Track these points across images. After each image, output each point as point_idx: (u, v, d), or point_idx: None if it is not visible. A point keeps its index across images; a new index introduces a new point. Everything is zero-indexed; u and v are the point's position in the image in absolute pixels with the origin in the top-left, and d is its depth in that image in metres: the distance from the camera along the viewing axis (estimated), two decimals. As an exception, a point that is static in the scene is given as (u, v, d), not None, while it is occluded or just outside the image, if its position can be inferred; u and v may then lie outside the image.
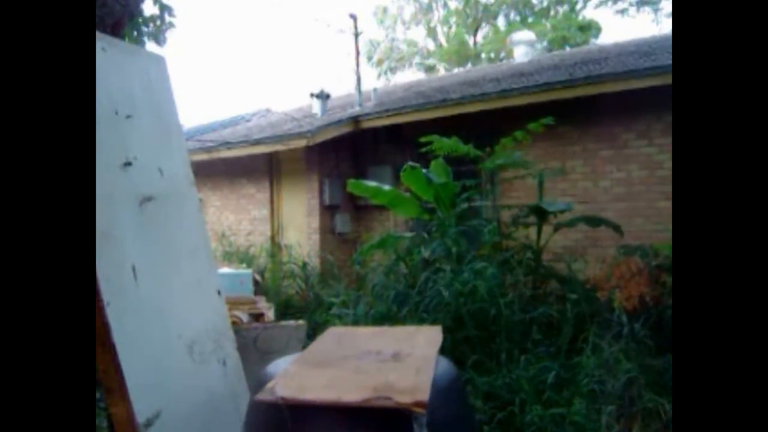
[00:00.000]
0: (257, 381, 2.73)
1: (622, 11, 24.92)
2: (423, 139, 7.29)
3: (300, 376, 2.52)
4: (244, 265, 9.81)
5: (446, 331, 4.91)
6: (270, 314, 5.65)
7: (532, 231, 6.81)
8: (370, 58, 31.02)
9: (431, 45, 31.74)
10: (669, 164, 7.91)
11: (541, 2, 29.28)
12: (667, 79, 7.51)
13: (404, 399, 2.20)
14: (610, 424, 4.42)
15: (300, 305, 8.74)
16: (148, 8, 5.82)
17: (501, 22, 30.45)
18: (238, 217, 12.23)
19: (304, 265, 9.84)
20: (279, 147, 10.50)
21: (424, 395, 2.23)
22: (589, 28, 26.97)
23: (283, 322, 5.74)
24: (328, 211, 10.76)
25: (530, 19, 28.24)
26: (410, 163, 6.90)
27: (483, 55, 28.91)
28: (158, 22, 5.90)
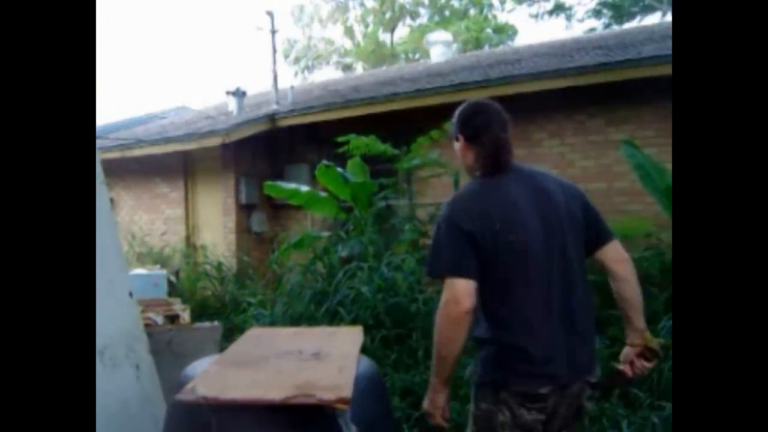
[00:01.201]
0: (175, 384, 2.68)
1: (537, 15, 25.55)
2: (340, 139, 7.29)
3: (221, 376, 2.49)
4: (158, 266, 9.60)
5: (366, 329, 4.94)
6: (185, 316, 5.55)
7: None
8: (287, 56, 30.84)
9: (348, 44, 31.80)
10: (580, 163, 8.16)
11: (460, 3, 29.70)
12: (578, 80, 7.75)
13: (327, 396, 2.21)
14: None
15: (216, 306, 8.62)
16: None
17: (418, 21, 30.75)
18: (152, 216, 11.95)
19: (220, 265, 9.70)
20: (194, 145, 10.31)
21: (347, 392, 2.25)
22: (504, 30, 27.55)
23: (198, 324, 5.65)
24: (245, 210, 10.63)
25: (446, 20, 28.60)
26: (325, 161, 6.90)
27: (400, 55, 29.13)
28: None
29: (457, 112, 2.69)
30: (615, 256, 2.58)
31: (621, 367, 2.58)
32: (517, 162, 2.65)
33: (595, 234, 2.56)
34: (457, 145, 2.67)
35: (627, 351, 2.59)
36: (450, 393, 2.58)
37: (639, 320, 2.56)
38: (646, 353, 2.55)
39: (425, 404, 2.55)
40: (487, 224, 2.38)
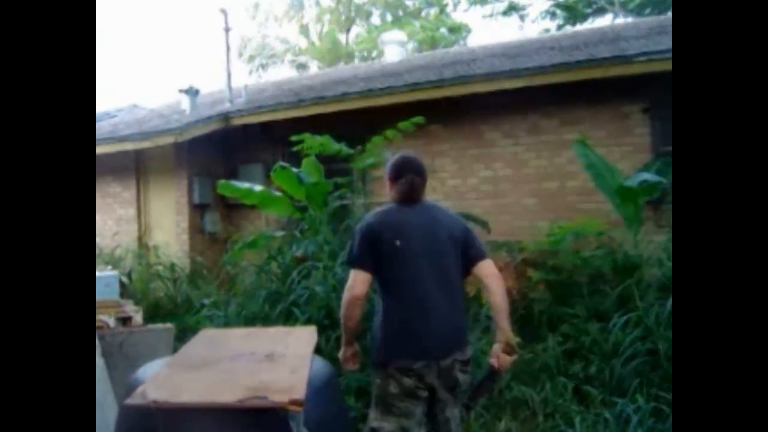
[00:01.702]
0: (126, 387, 2.63)
1: (491, 15, 25.73)
2: (294, 138, 7.25)
3: (172, 379, 2.45)
4: (109, 267, 9.42)
5: (320, 329, 4.91)
6: (138, 318, 5.47)
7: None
8: (241, 55, 30.57)
9: (304, 43, 31.64)
10: (533, 162, 8.24)
11: (414, 2, 29.79)
12: (533, 81, 7.83)
13: (280, 398, 2.19)
14: (479, 414, 4.56)
15: (169, 308, 8.51)
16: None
17: (373, 21, 30.76)
18: (103, 217, 11.73)
19: (173, 266, 9.58)
20: (146, 144, 10.15)
21: (300, 394, 2.23)
22: (459, 30, 27.70)
23: (151, 326, 5.57)
24: (198, 210, 10.50)
25: (401, 20, 28.66)
26: (281, 163, 6.85)
27: (356, 54, 29.10)
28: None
29: (389, 161, 3.55)
30: (486, 272, 3.32)
31: (491, 360, 3.26)
32: (427, 200, 3.48)
33: (472, 253, 3.34)
34: (387, 183, 3.48)
35: (494, 347, 3.28)
36: (359, 350, 3.43)
37: (503, 322, 3.24)
38: (507, 349, 3.21)
39: (340, 355, 3.41)
40: (383, 234, 3.22)
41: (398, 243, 3.18)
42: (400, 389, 3.10)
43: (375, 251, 3.19)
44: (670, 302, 4.71)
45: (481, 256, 3.34)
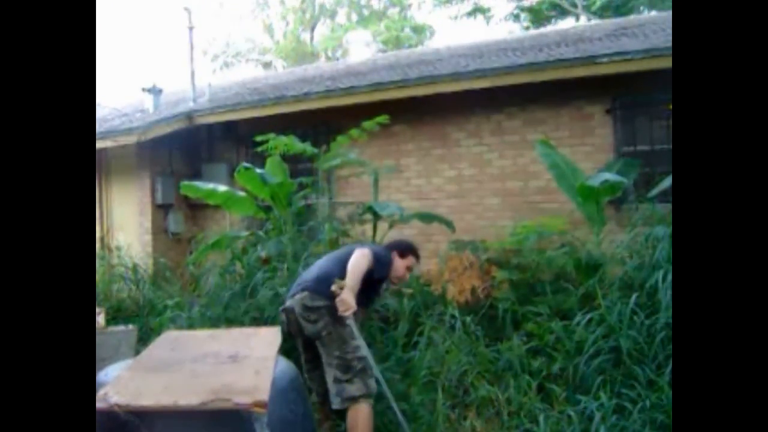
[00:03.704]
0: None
1: (456, 17, 25.81)
2: (259, 138, 7.21)
3: (135, 382, 2.42)
4: (70, 268, 9.27)
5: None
6: (100, 320, 5.39)
7: (369, 227, 6.91)
8: (205, 54, 30.32)
9: (268, 42, 31.48)
10: (497, 162, 8.30)
11: (380, 2, 29.80)
12: (497, 81, 7.88)
13: (244, 400, 2.17)
14: (446, 413, 4.57)
15: (132, 309, 8.39)
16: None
17: (338, 20, 30.71)
18: (63, 217, 11.55)
19: (135, 267, 9.45)
20: (108, 143, 10.00)
21: (264, 395, 2.22)
22: (423, 31, 27.78)
23: (113, 328, 5.49)
24: (161, 210, 10.38)
25: (366, 20, 28.66)
26: (244, 163, 6.81)
27: (321, 53, 29.04)
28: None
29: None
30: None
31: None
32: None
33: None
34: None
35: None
36: None
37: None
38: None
39: (345, 297, 3.86)
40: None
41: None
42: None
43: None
44: (632, 300, 4.77)
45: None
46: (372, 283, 4.36)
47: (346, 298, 3.85)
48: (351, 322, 3.95)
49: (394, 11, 29.36)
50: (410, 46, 24.06)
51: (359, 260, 4.11)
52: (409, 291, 6.04)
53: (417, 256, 4.81)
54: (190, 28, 11.92)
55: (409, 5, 28.60)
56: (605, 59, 7.33)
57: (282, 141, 7.09)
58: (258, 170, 6.64)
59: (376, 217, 6.80)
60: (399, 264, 4.62)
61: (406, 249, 4.76)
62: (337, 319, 3.94)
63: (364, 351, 4.02)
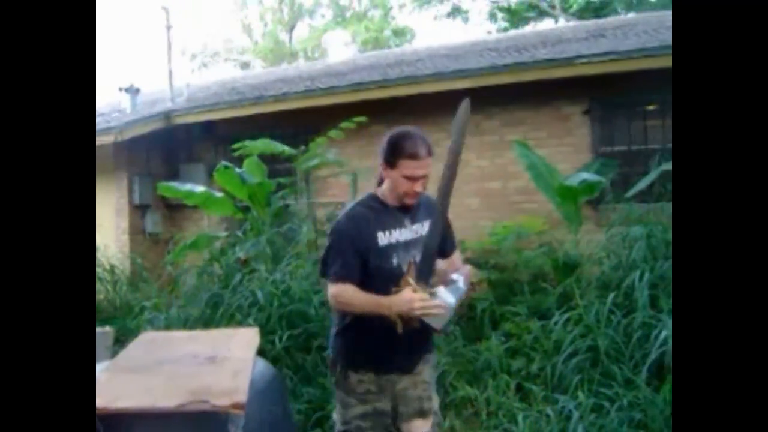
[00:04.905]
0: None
1: (435, 17, 25.85)
2: (236, 145, 7.17)
3: (112, 384, 2.40)
4: (46, 269, 9.18)
5: (266, 333, 4.86)
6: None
7: (348, 228, 6.89)
8: (183, 53, 30.14)
9: (247, 42, 31.38)
10: (476, 163, 8.31)
11: (359, 3, 29.80)
12: (477, 82, 7.89)
13: (222, 402, 2.16)
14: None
15: (109, 311, 8.35)
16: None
17: (316, 21, 30.71)
18: (39, 218, 11.44)
19: (113, 268, 9.39)
20: (84, 143, 9.92)
21: (242, 397, 2.20)
22: (403, 33, 27.82)
23: (90, 329, 5.42)
24: (139, 210, 10.30)
25: (346, 20, 28.66)
26: (223, 162, 6.78)
27: (299, 54, 28.99)
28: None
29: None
30: None
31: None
32: None
33: None
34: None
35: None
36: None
37: None
38: None
39: (402, 308, 2.83)
40: None
41: None
42: None
43: None
44: (609, 299, 4.81)
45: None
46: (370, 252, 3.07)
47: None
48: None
49: (375, 13, 29.34)
50: (390, 48, 24.08)
51: (332, 301, 3.01)
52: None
53: (412, 155, 3.14)
54: (168, 28, 11.85)
55: (390, 7, 28.62)
56: (583, 60, 7.37)
57: (258, 145, 7.05)
58: (236, 170, 6.62)
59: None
60: (393, 178, 3.16)
61: (391, 152, 3.18)
62: None
63: None
